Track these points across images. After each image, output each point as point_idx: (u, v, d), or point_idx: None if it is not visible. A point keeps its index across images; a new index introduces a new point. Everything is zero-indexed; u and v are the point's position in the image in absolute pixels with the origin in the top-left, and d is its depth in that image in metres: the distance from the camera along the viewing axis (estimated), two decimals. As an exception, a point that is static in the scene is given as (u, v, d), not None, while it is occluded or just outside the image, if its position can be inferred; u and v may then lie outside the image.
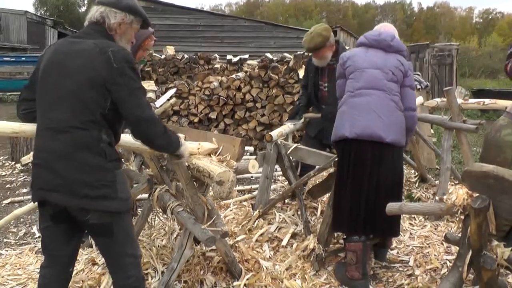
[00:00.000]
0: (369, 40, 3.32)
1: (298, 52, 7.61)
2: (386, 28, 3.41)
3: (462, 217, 2.49)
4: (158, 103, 4.04)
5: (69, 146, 2.08)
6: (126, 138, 2.57)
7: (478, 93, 13.82)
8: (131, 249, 2.33)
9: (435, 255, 3.66)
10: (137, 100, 2.16)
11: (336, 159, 3.37)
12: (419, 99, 4.96)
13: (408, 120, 3.23)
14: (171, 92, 4.19)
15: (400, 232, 3.58)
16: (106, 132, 2.17)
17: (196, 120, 7.84)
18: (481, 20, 65.92)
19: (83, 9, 53.25)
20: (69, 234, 2.29)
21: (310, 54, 4.46)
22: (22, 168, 6.92)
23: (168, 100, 4.86)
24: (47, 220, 2.24)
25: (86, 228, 2.27)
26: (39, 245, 3.97)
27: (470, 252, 2.40)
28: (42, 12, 46.24)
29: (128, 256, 2.31)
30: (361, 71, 3.21)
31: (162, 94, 7.65)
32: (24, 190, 5.88)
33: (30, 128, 2.35)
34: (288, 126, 4.32)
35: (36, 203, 2.24)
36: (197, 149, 2.78)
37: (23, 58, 19.89)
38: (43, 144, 2.15)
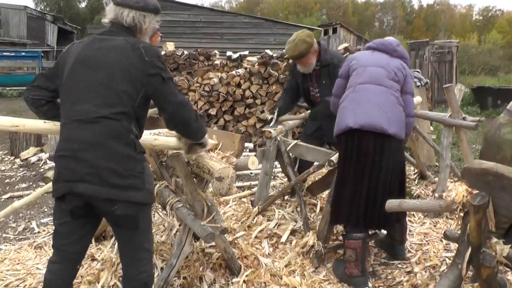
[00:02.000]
0: (376, 44, 3.50)
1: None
2: (396, 40, 3.57)
3: (462, 214, 2.49)
4: None
5: (100, 135, 2.09)
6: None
7: (478, 90, 13.84)
8: (148, 243, 2.36)
9: (434, 252, 3.66)
10: (170, 88, 2.28)
11: (333, 157, 3.37)
12: (418, 98, 4.95)
13: (406, 128, 3.30)
14: None
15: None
16: (135, 125, 2.22)
17: (195, 116, 7.82)
18: (481, 18, 65.93)
19: (83, 4, 53.12)
20: (84, 230, 2.30)
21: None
22: (21, 163, 6.93)
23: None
24: (65, 216, 2.23)
25: (109, 219, 2.28)
26: (38, 240, 3.98)
27: (470, 249, 2.41)
28: (42, 8, 46.13)
29: (145, 251, 2.33)
30: (364, 68, 3.32)
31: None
32: (24, 185, 5.88)
33: (30, 122, 2.35)
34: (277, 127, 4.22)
35: (38, 196, 2.25)
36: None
37: (23, 53, 19.97)
38: (70, 136, 2.14)
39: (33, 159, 6.98)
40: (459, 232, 2.60)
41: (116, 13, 2.32)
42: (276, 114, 4.32)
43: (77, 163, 2.09)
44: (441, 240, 3.82)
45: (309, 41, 4.02)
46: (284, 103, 4.46)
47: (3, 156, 7.53)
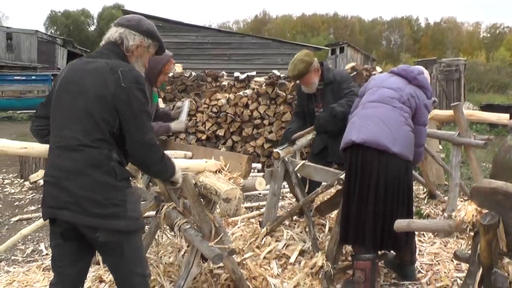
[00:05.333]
0: (398, 69, 3.51)
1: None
2: (420, 69, 3.57)
3: (472, 234, 2.46)
4: (183, 116, 4.04)
5: (80, 164, 2.09)
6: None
7: (487, 108, 13.76)
8: (140, 268, 2.33)
9: (445, 272, 3.61)
10: (139, 123, 2.17)
11: (342, 176, 3.36)
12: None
13: (415, 156, 3.31)
14: (186, 104, 3.98)
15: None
16: (116, 151, 2.19)
17: (203, 137, 7.86)
18: (489, 35, 65.95)
19: (92, 28, 53.96)
20: (79, 252, 2.29)
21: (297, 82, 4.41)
22: (31, 185, 6.97)
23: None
24: (57, 238, 2.24)
25: (95, 245, 2.26)
26: (46, 262, 3.98)
27: (481, 270, 2.37)
28: (52, 31, 46.89)
29: (137, 275, 2.31)
30: (378, 88, 3.37)
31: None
32: (32, 208, 5.90)
33: (38, 145, 2.38)
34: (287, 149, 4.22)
35: (47, 220, 2.25)
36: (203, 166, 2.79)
37: (33, 77, 20.20)
38: (54, 162, 2.17)
39: (42, 181, 7.00)
40: (469, 252, 2.56)
41: (110, 33, 2.35)
42: (287, 134, 4.41)
43: (59, 191, 2.11)
44: (452, 260, 3.77)
45: (307, 59, 4.09)
46: (296, 125, 4.51)
47: (13, 179, 7.57)
